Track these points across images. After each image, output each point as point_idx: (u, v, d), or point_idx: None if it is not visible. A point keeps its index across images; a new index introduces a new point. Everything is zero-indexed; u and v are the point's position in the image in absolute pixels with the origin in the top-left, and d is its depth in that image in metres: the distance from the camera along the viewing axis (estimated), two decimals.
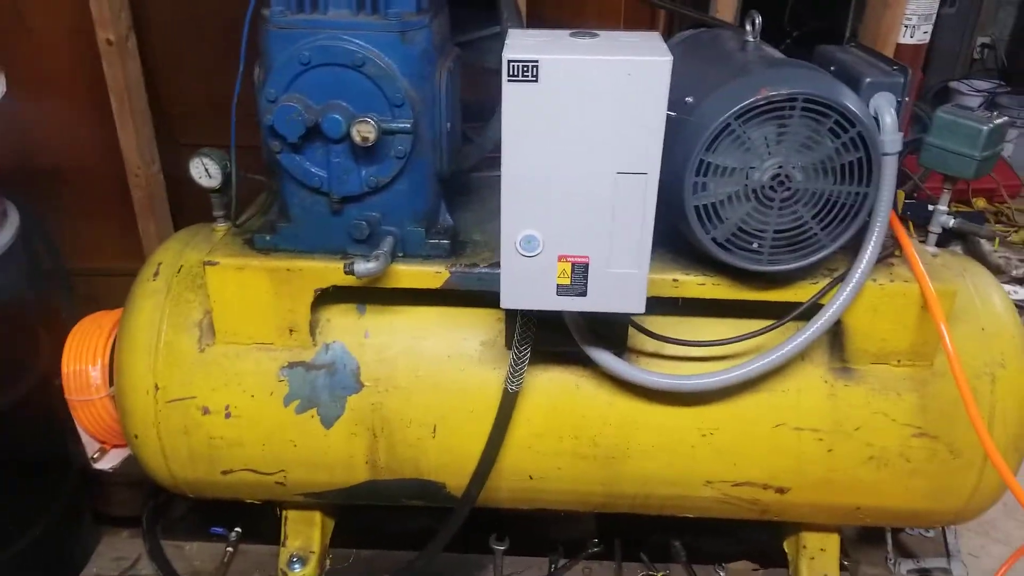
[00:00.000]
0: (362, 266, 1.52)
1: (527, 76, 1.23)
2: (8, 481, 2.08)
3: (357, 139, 1.47)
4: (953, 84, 4.68)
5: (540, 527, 2.11)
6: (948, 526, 2.02)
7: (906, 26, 2.25)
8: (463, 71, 1.73)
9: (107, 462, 2.10)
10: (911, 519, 1.93)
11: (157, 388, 1.74)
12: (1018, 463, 1.71)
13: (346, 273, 1.53)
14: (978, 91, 4.61)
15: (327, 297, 1.68)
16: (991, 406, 1.64)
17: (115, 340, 1.86)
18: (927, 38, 2.30)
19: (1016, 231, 3.82)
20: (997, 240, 2.47)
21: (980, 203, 4.06)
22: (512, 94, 1.25)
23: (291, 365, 1.71)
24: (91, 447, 2.07)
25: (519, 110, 1.27)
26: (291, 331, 1.70)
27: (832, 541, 1.89)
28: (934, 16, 2.28)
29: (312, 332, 1.71)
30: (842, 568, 1.90)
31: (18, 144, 2.65)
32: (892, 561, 2.08)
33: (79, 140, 2.69)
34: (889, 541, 2.09)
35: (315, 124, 1.49)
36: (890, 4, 2.19)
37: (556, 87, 1.24)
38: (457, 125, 1.70)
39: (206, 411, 1.74)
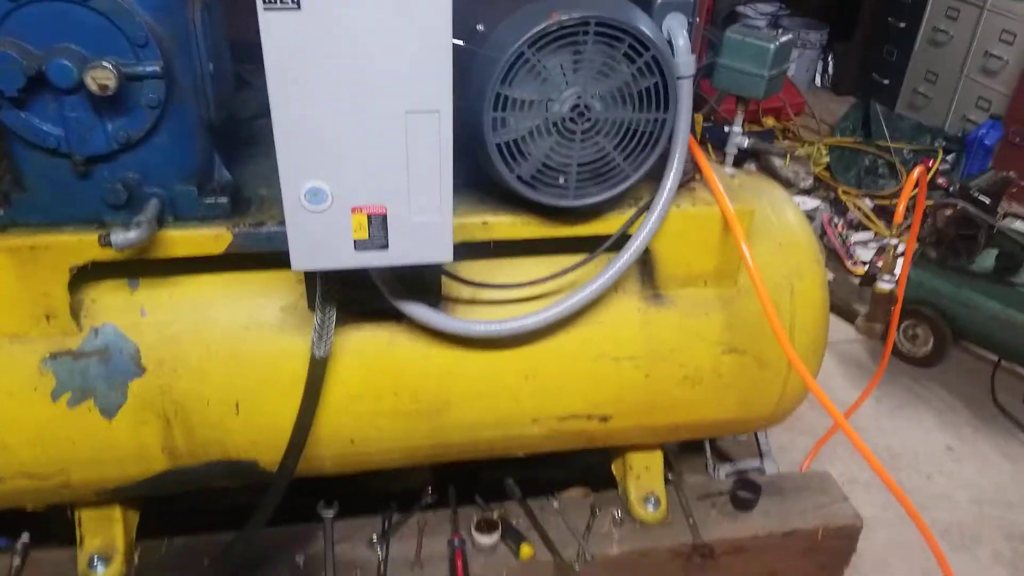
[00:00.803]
0: (121, 236, 1.30)
1: (287, 2, 1.06)
2: None
3: (94, 87, 1.23)
4: (740, 8, 4.95)
5: (371, 484, 2.03)
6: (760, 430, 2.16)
7: None
8: (232, 3, 1.51)
9: None
10: (726, 429, 2.04)
11: None
12: (818, 366, 1.83)
13: (102, 245, 1.31)
14: (762, 14, 4.92)
15: (88, 274, 1.45)
16: (791, 316, 1.72)
17: None
18: None
19: (802, 146, 4.10)
20: (788, 156, 2.61)
21: (770, 122, 4.30)
22: (272, 24, 1.08)
23: (54, 355, 1.48)
24: None
25: (282, 44, 1.10)
26: (48, 317, 1.46)
27: (656, 459, 1.95)
28: None
29: (76, 316, 1.48)
30: (667, 481, 1.98)
31: None
32: (712, 467, 2.20)
33: None
34: (708, 450, 2.21)
35: (39, 72, 1.23)
36: None
37: (322, 15, 1.08)
38: (225, 66, 1.49)
39: None
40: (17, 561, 1.84)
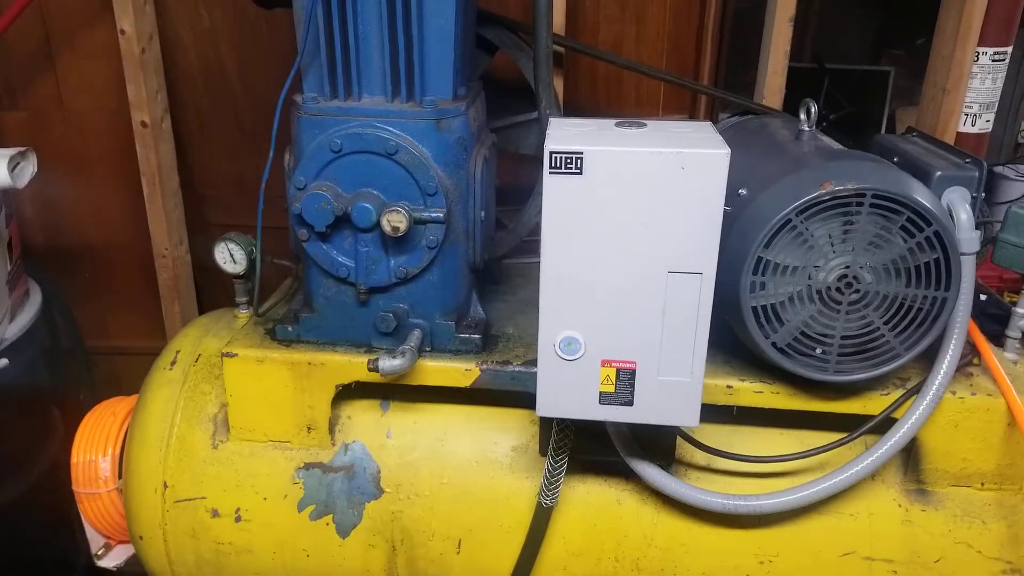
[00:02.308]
0: (387, 363, 1.41)
1: (571, 168, 1.14)
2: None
3: (387, 229, 1.38)
4: (998, 169, 4.59)
5: None
6: None
7: (967, 114, 2.13)
8: (498, 156, 1.66)
9: (112, 559, 1.97)
10: None
11: (166, 486, 1.62)
12: None
13: (370, 370, 1.42)
14: (1022, 175, 4.51)
15: (349, 393, 1.56)
16: None
17: (127, 431, 1.76)
18: (989, 127, 2.18)
19: None
20: None
21: None
22: (554, 187, 1.15)
23: (307, 466, 1.59)
24: (96, 543, 1.95)
25: (561, 204, 1.16)
26: (309, 429, 1.58)
27: None
28: (996, 104, 2.16)
29: (331, 430, 1.59)
30: None
31: (47, 222, 2.65)
32: None
33: (108, 220, 2.67)
34: None
35: (344, 213, 1.40)
36: (950, 90, 2.09)
37: (602, 180, 1.14)
38: (492, 213, 1.62)
39: (215, 513, 1.61)
40: None
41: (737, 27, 2.73)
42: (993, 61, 2.07)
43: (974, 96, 2.10)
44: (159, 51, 2.43)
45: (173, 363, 1.71)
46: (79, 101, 2.58)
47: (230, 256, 1.66)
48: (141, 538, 1.67)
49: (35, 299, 2.14)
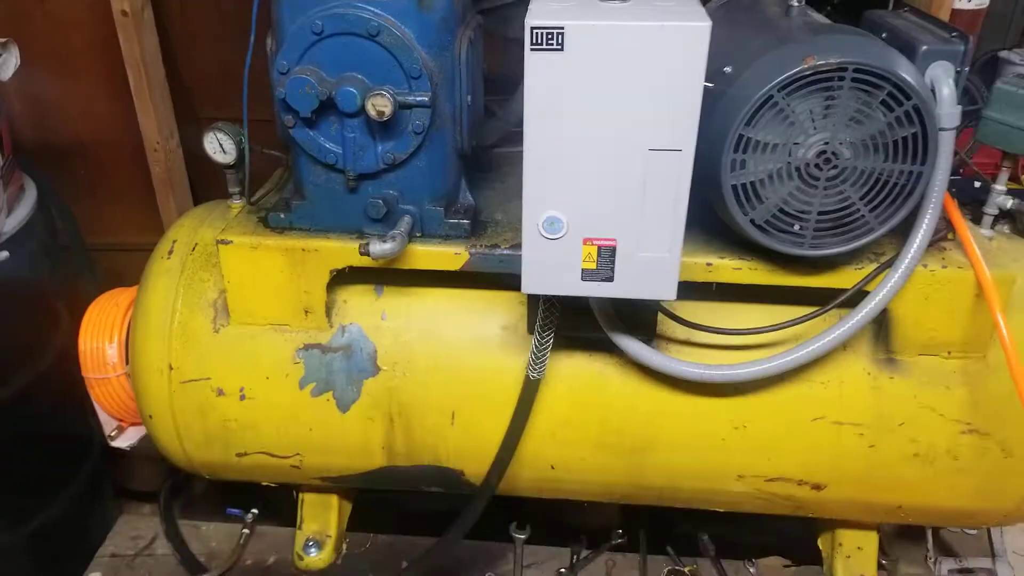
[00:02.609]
0: (378, 247, 1.45)
1: (552, 44, 1.14)
2: (29, 457, 2.07)
3: (372, 113, 1.39)
4: (1003, 54, 4.45)
5: (562, 516, 2.05)
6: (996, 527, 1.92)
7: None
8: (485, 41, 1.64)
9: (124, 440, 2.08)
10: (956, 519, 1.83)
11: (171, 368, 1.70)
12: None
13: (361, 254, 1.46)
14: None
15: (343, 278, 1.61)
16: None
17: (130, 318, 1.83)
18: (986, 2, 2.14)
19: None
20: None
21: None
22: (536, 64, 1.16)
23: (307, 347, 1.66)
24: (108, 425, 2.05)
25: (543, 82, 1.17)
26: (307, 312, 1.64)
27: (870, 539, 1.80)
28: None
29: (328, 313, 1.65)
30: (880, 567, 1.82)
31: (36, 119, 2.62)
32: (933, 560, 1.98)
33: (97, 115, 2.64)
34: (929, 539, 2.00)
35: (329, 97, 1.41)
36: None
37: (584, 56, 1.15)
38: (479, 99, 1.62)
39: (221, 393, 1.69)
40: (246, 531, 2.07)
41: None
42: None
43: None
44: None
45: (171, 252, 1.76)
46: None
47: (219, 146, 1.68)
48: (151, 417, 1.76)
49: (31, 194, 2.15)
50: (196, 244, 1.75)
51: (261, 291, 1.63)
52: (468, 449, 1.69)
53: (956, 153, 1.99)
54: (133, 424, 2.04)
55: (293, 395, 1.67)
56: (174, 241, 1.77)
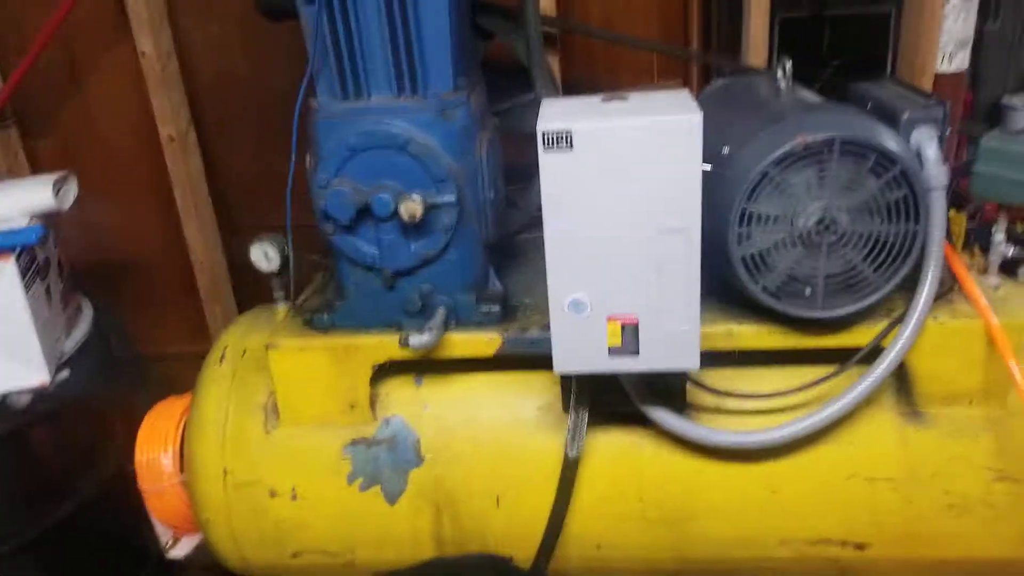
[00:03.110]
0: (416, 339, 1.55)
1: (561, 145, 1.27)
2: (88, 570, 2.13)
3: (405, 216, 1.52)
4: (1005, 100, 4.54)
5: None
6: None
7: (943, 54, 2.22)
8: (504, 137, 1.78)
9: (180, 549, 2.14)
10: (1005, 571, 1.81)
11: (226, 472, 1.77)
12: None
13: (401, 347, 1.56)
14: None
15: (385, 371, 1.71)
16: None
17: (184, 426, 1.91)
18: (966, 63, 2.26)
19: None
20: None
21: None
22: (548, 163, 1.29)
23: (353, 442, 1.73)
24: (164, 535, 2.12)
25: (556, 178, 1.30)
26: (352, 407, 1.73)
27: None
28: (971, 41, 2.25)
29: (372, 407, 1.73)
30: None
31: (88, 241, 2.81)
32: None
33: (143, 233, 2.83)
34: None
35: (365, 205, 1.54)
36: (923, 33, 2.18)
37: (591, 153, 1.27)
38: (500, 192, 1.74)
39: (273, 493, 1.75)
40: None
41: None
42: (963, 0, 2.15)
43: (948, 36, 2.18)
44: (177, 67, 2.57)
45: (222, 359, 1.87)
46: (106, 122, 2.74)
47: (264, 255, 1.81)
48: (208, 521, 1.82)
49: (87, 313, 2.29)
50: (246, 350, 1.86)
51: (308, 390, 1.72)
52: (515, 533, 1.72)
53: (969, 201, 2.07)
54: (187, 533, 2.09)
55: (342, 491, 1.73)
56: (225, 347, 1.89)
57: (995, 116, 2.05)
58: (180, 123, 2.55)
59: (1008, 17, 4.69)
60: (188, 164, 2.58)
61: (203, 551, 1.99)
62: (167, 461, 1.94)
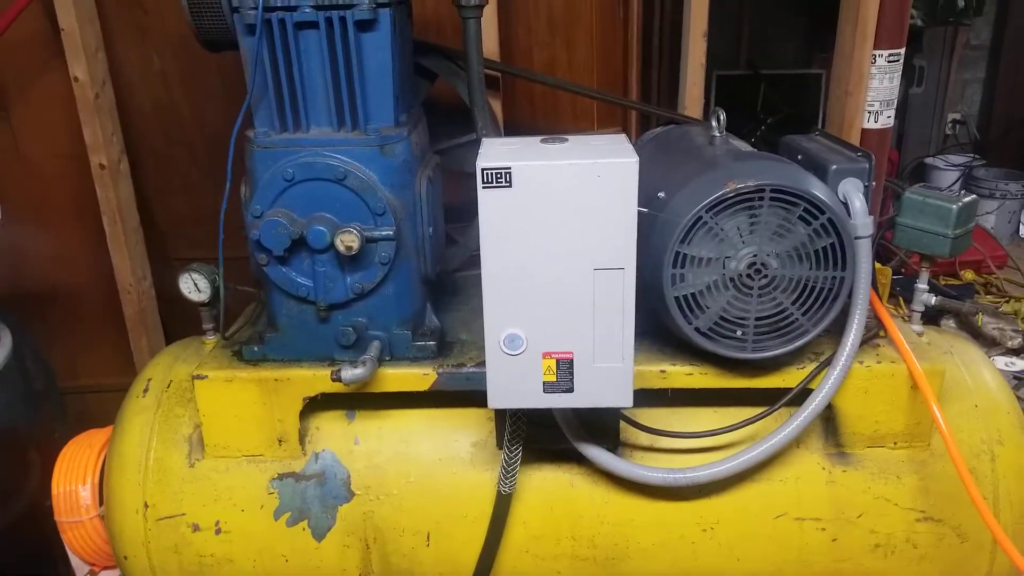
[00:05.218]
0: (349, 372, 1.52)
1: (501, 182, 1.28)
2: None
3: (341, 248, 1.50)
4: (928, 160, 4.78)
5: None
6: None
7: (869, 112, 2.33)
8: (444, 176, 1.79)
9: None
10: None
11: (147, 506, 1.71)
12: None
13: (333, 380, 1.53)
14: (954, 165, 4.66)
15: (316, 405, 1.67)
16: (994, 485, 1.61)
17: (105, 458, 1.84)
18: (891, 122, 2.38)
19: (1007, 301, 3.82)
20: (980, 316, 2.48)
21: (969, 275, 4.08)
22: (488, 200, 1.29)
23: (281, 476, 1.69)
24: (80, 571, 2.02)
25: (495, 214, 1.30)
26: (280, 441, 1.68)
27: None
28: (895, 101, 2.37)
29: (301, 441, 1.69)
30: None
31: (9, 267, 2.71)
32: None
33: (69, 261, 2.74)
34: None
35: (300, 236, 1.52)
36: (851, 92, 2.29)
37: (529, 191, 1.28)
38: (440, 229, 1.74)
39: (196, 528, 1.70)
40: None
41: (676, 39, 2.90)
42: (889, 62, 2.27)
43: (875, 95, 2.30)
44: (112, 95, 2.52)
45: (146, 391, 1.80)
46: (34, 146, 2.66)
47: (194, 285, 1.77)
48: (126, 558, 1.75)
49: (5, 342, 2.20)
50: (171, 381, 1.80)
51: (236, 423, 1.68)
52: (445, 571, 1.69)
53: (895, 254, 2.15)
54: (105, 568, 2.01)
55: (268, 526, 1.69)
56: (149, 379, 1.82)
57: (919, 174, 2.16)
58: (112, 152, 2.49)
59: (931, 82, 4.99)
60: (118, 193, 2.51)
61: None
62: (86, 493, 1.87)
